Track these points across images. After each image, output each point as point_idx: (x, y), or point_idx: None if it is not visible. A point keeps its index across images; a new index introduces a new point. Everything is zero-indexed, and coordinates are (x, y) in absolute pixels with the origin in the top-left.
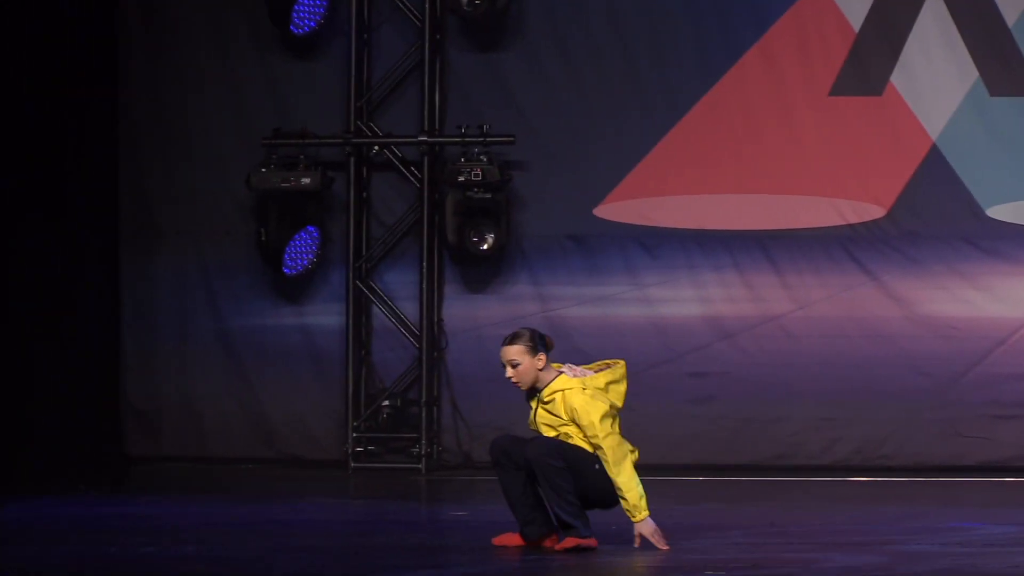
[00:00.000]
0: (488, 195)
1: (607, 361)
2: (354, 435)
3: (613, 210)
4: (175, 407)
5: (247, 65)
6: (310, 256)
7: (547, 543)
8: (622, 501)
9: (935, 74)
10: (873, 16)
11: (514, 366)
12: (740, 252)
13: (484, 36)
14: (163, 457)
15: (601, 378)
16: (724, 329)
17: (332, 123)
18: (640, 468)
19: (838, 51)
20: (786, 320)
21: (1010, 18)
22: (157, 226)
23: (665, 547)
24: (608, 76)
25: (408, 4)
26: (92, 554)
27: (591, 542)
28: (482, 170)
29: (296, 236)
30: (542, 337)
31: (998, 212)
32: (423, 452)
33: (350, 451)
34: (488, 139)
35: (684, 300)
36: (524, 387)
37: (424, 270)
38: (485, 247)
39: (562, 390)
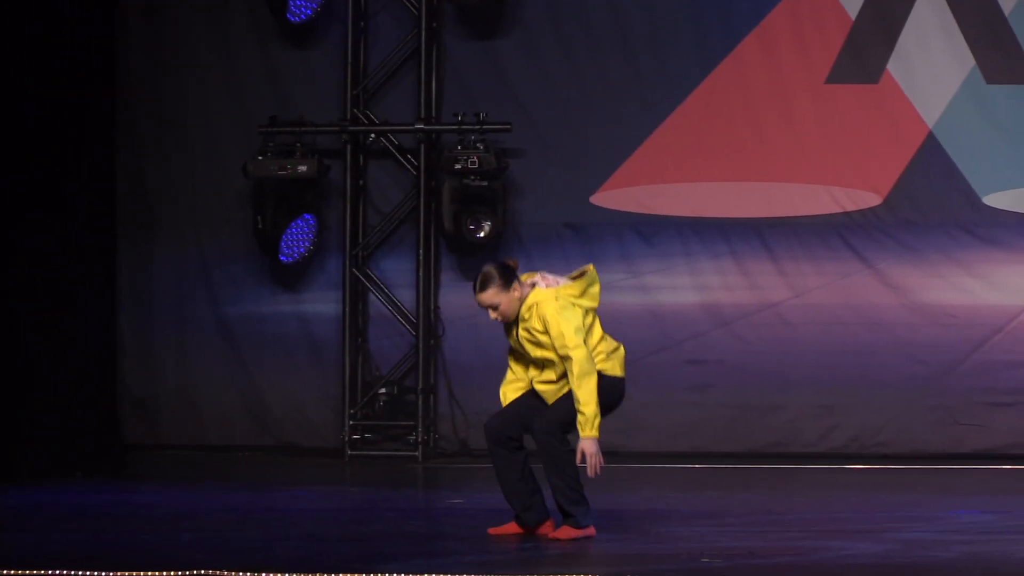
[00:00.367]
0: (484, 183)
1: (581, 269)
2: (351, 423)
3: (610, 198)
4: (173, 395)
5: (244, 53)
6: (307, 244)
7: (543, 530)
8: (579, 414)
9: (932, 62)
10: (870, 4)
11: (495, 308)
12: (737, 240)
13: (481, 24)
14: (161, 445)
15: (576, 287)
16: (721, 317)
17: (329, 111)
18: (637, 455)
19: (835, 39)
20: (783, 308)
21: (1007, 6)
22: (155, 214)
23: (594, 473)
24: (605, 64)
25: None
26: (90, 541)
27: (589, 531)
28: (479, 158)
29: (293, 224)
30: (508, 268)
31: (995, 200)
32: (420, 440)
33: (347, 439)
34: (485, 127)
35: (681, 288)
36: (510, 320)
37: (421, 258)
38: (482, 235)
39: (536, 303)
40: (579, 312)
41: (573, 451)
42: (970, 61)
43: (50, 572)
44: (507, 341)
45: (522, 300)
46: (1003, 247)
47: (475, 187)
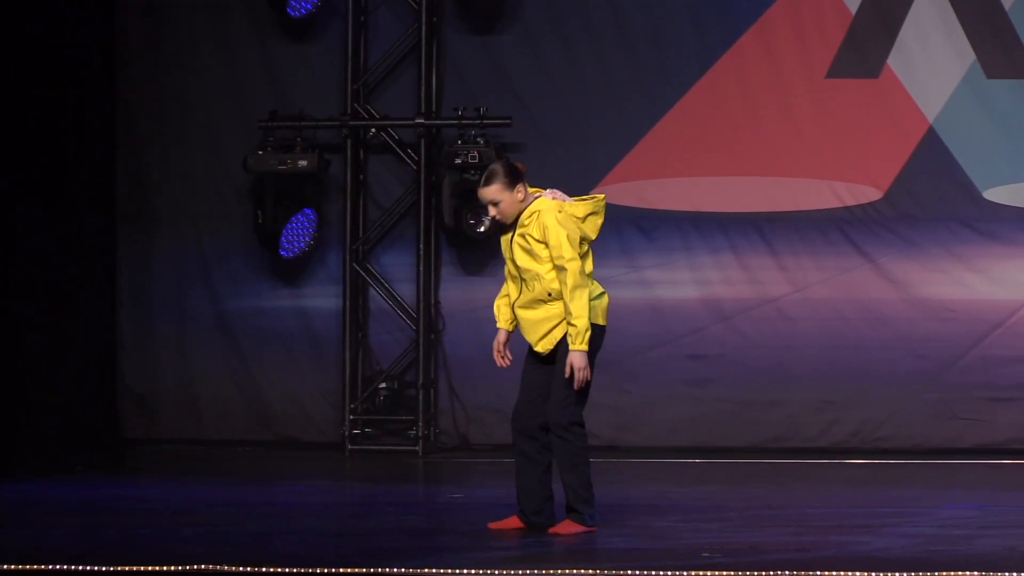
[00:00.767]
0: None
1: (592, 195)
2: (351, 417)
3: (610, 192)
4: (172, 389)
5: (244, 48)
6: (307, 238)
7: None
8: (570, 326)
9: (932, 56)
10: None
11: (495, 205)
12: (737, 234)
13: (481, 18)
14: (160, 440)
15: (581, 207)
16: (721, 311)
17: (329, 105)
18: (637, 450)
19: (835, 33)
20: (783, 302)
21: (1007, 1)
22: (154, 209)
23: (577, 386)
24: (605, 59)
25: None
26: (90, 536)
27: (591, 529)
28: (479, 152)
29: (293, 218)
30: (515, 168)
31: (995, 194)
32: (420, 434)
33: (347, 433)
34: (485, 121)
35: (681, 282)
36: (508, 222)
37: (421, 252)
38: (482, 229)
39: (538, 211)
40: (580, 229)
41: (589, 448)
42: (970, 56)
43: (50, 567)
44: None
45: (524, 205)
46: (1003, 242)
47: (475, 181)
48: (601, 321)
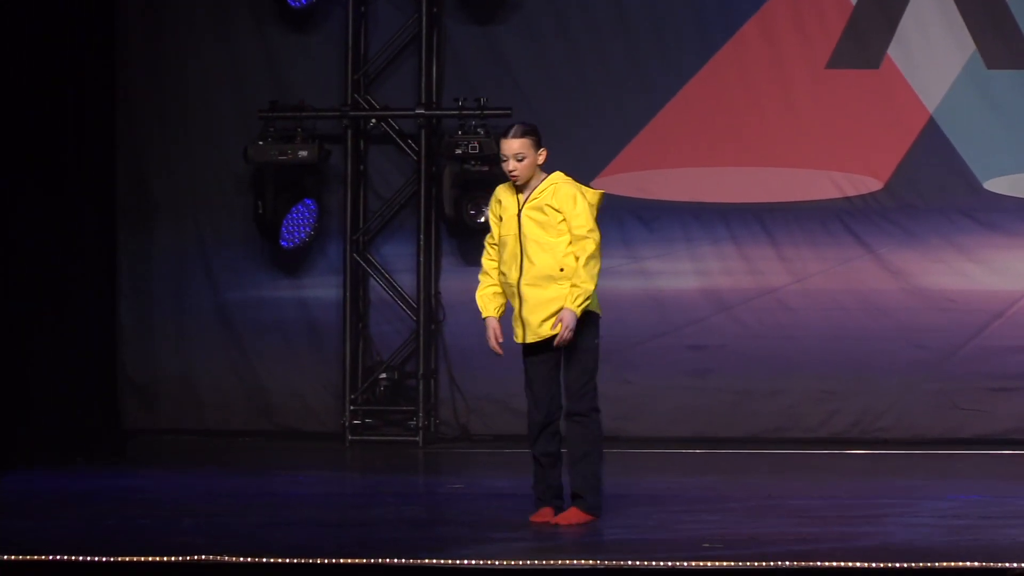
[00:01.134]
0: (485, 168)
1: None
2: (351, 408)
3: (610, 183)
4: (172, 380)
5: (244, 38)
6: (307, 229)
7: (544, 516)
8: (574, 287)
9: (932, 47)
10: None
11: (519, 159)
12: (737, 225)
13: (481, 9)
14: (160, 430)
15: (592, 194)
16: (722, 302)
17: (329, 96)
18: (638, 440)
19: (835, 24)
20: (783, 293)
21: None
22: (154, 200)
23: (560, 341)
24: (606, 49)
25: None
26: (89, 527)
27: (595, 518)
28: (479, 143)
29: (293, 209)
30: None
31: (995, 185)
32: (420, 425)
33: (347, 424)
34: (485, 112)
35: (681, 273)
36: (521, 182)
37: (421, 243)
38: (483, 220)
39: (556, 182)
40: (595, 210)
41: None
42: (971, 46)
43: (50, 558)
44: (510, 328)
45: (537, 174)
46: (1004, 232)
47: (476, 172)
48: (599, 311)
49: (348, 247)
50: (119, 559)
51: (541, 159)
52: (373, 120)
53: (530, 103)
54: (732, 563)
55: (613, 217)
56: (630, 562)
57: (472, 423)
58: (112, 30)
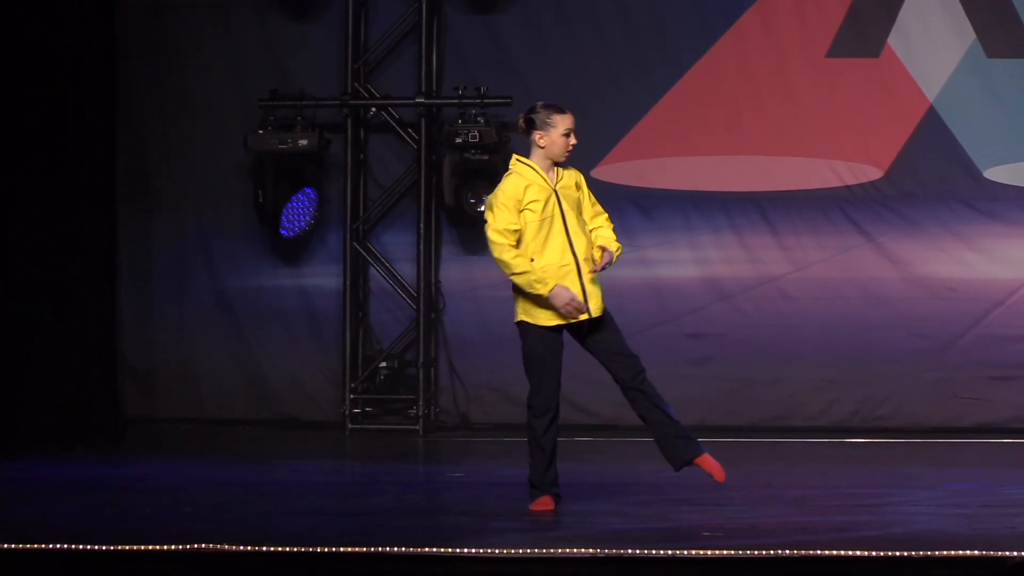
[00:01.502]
0: (485, 157)
1: None
2: (351, 396)
3: (610, 172)
4: (172, 368)
5: (244, 27)
6: (307, 218)
7: (544, 505)
8: (614, 243)
9: (932, 36)
10: None
11: (574, 136)
12: (737, 214)
13: None
14: (160, 418)
15: None
16: (721, 291)
17: (329, 85)
18: (637, 429)
19: (835, 12)
20: (783, 282)
21: None
22: (154, 187)
23: (596, 269)
24: (605, 38)
25: None
26: (89, 515)
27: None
28: (479, 132)
29: (293, 198)
30: None
31: (995, 174)
32: (420, 413)
33: (347, 412)
34: (485, 101)
35: (681, 262)
36: (563, 159)
37: (421, 232)
38: (482, 208)
39: (565, 168)
40: None
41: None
42: (971, 35)
43: (49, 546)
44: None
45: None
46: (1004, 221)
47: (476, 161)
48: None
49: (348, 236)
50: (119, 548)
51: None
52: (373, 109)
53: (530, 92)
54: (732, 552)
55: (612, 206)
56: (630, 551)
57: (472, 411)
58: (112, 20)
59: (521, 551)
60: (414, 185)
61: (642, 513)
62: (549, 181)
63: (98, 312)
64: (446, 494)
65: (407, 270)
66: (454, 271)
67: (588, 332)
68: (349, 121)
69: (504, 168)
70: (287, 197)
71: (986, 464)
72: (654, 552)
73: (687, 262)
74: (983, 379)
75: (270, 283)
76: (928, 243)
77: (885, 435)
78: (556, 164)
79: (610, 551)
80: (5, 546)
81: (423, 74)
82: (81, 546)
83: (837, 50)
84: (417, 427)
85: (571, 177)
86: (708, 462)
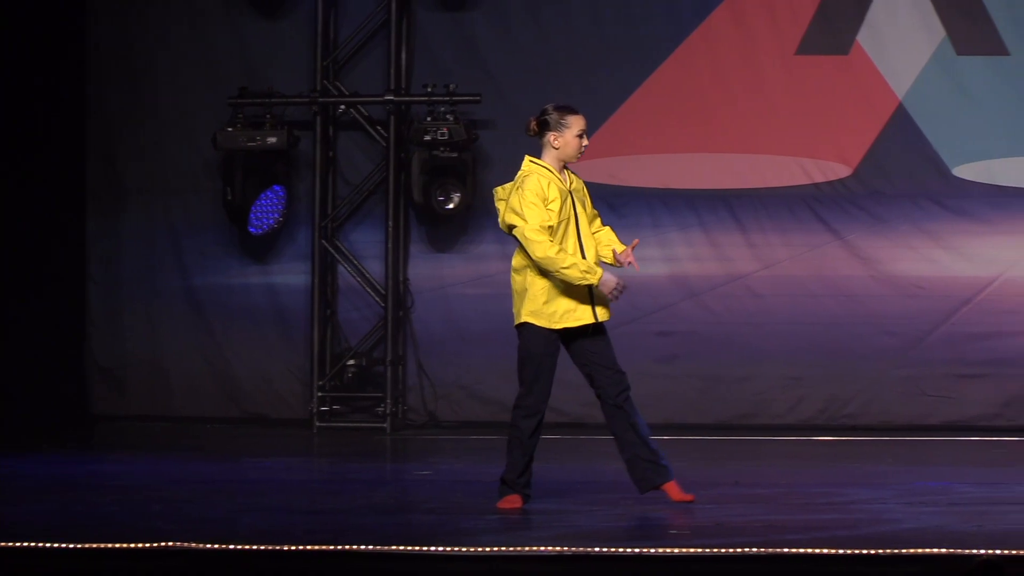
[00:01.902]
0: (454, 154)
1: None
2: (319, 394)
3: (579, 169)
4: (141, 365)
5: (214, 24)
6: (276, 215)
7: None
8: (618, 243)
9: (902, 33)
10: None
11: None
12: (706, 211)
13: None
14: (129, 416)
15: None
16: (690, 288)
17: (298, 82)
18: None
19: (805, 9)
20: (752, 279)
21: None
22: (124, 184)
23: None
24: (575, 35)
25: None
26: (58, 513)
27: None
28: (448, 129)
29: (262, 195)
30: None
31: (964, 171)
32: (388, 411)
33: (315, 410)
34: (454, 98)
35: (650, 259)
36: (577, 159)
37: (390, 229)
38: (451, 206)
39: (572, 170)
40: None
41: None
42: (940, 32)
43: (18, 544)
44: (478, 314)
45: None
46: (972, 218)
47: (444, 158)
48: None
49: (317, 233)
50: (87, 545)
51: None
52: (342, 106)
53: (500, 90)
54: (699, 550)
55: None
56: (597, 549)
57: (440, 410)
58: (83, 17)
59: (489, 549)
60: (383, 183)
61: (609, 511)
62: (564, 183)
63: (67, 309)
64: (414, 492)
65: (375, 268)
66: (422, 269)
67: (584, 338)
68: (318, 119)
69: (473, 166)
70: (256, 194)
71: (953, 462)
72: (621, 550)
73: (655, 260)
74: (951, 377)
75: (239, 280)
76: (897, 240)
77: (853, 433)
78: (566, 167)
79: (577, 549)
80: None
81: (392, 71)
82: (49, 544)
83: (807, 47)
84: (385, 425)
85: (578, 181)
86: (674, 489)
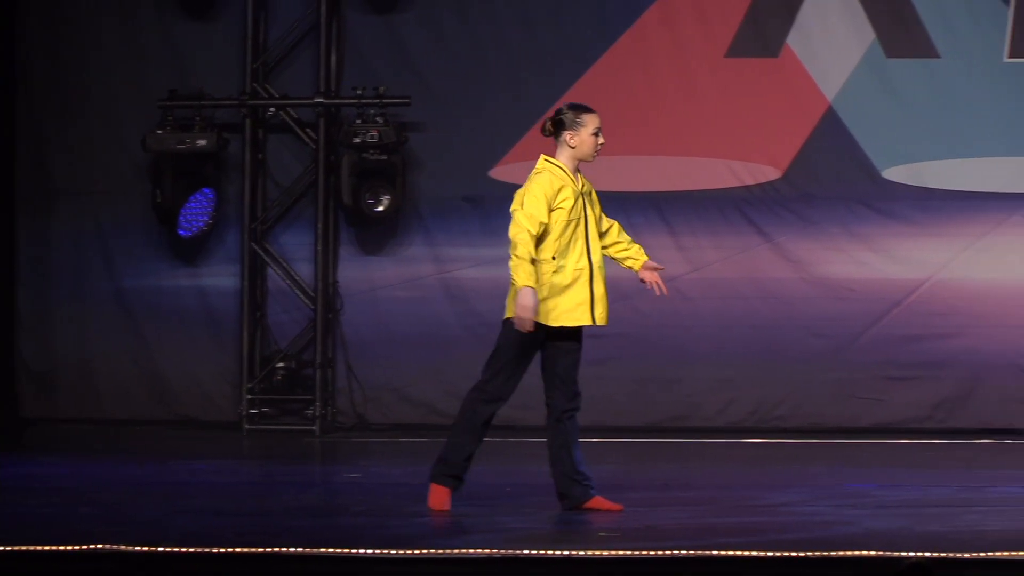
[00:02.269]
0: (384, 157)
1: None
2: (249, 397)
3: (510, 171)
4: (71, 368)
5: (145, 24)
6: (205, 218)
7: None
8: (641, 253)
9: (832, 35)
10: None
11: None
12: (635, 214)
13: None
14: (59, 418)
15: None
16: (620, 290)
17: (228, 85)
18: (535, 430)
19: (735, 12)
20: (681, 282)
21: None
22: (53, 185)
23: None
24: (505, 37)
25: None
26: None
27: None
28: (378, 132)
29: (192, 198)
30: None
31: (894, 174)
32: (317, 414)
33: (245, 412)
34: (384, 101)
35: None
36: (594, 158)
37: (319, 232)
38: (380, 209)
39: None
40: None
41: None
42: (870, 35)
43: None
44: (407, 317)
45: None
46: (902, 221)
47: (374, 161)
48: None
49: (246, 236)
50: (16, 548)
51: None
52: (272, 109)
53: (430, 92)
54: (629, 552)
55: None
56: (527, 551)
57: (369, 412)
58: (12, 16)
59: (418, 551)
60: (312, 185)
61: (539, 514)
62: (576, 183)
63: None
64: (343, 494)
65: (305, 270)
66: (352, 271)
67: (564, 342)
68: (248, 121)
69: (403, 168)
70: (186, 197)
71: (883, 464)
72: (551, 553)
73: None
74: (881, 379)
75: (168, 283)
76: (826, 243)
77: (783, 435)
78: (578, 168)
79: (507, 552)
80: None
81: (322, 74)
82: None
83: (737, 50)
84: (314, 427)
85: (588, 184)
86: (600, 502)
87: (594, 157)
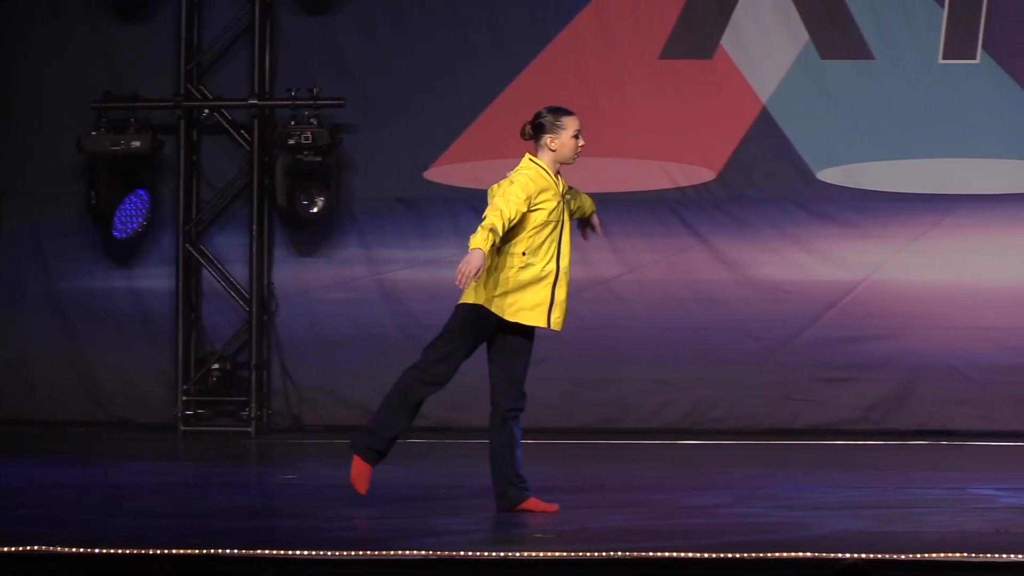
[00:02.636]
0: (318, 158)
1: None
2: (184, 398)
3: (443, 173)
4: (5, 370)
5: (77, 26)
6: (140, 219)
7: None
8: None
9: (766, 37)
10: None
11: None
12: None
13: None
14: None
15: None
16: None
17: (163, 86)
18: (470, 431)
19: (669, 13)
20: (616, 283)
21: None
22: None
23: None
24: (439, 39)
25: None
26: None
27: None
28: (312, 133)
29: (126, 199)
30: None
31: (828, 175)
32: (253, 415)
33: (180, 414)
34: (318, 102)
35: None
36: (574, 161)
37: (254, 233)
38: (315, 210)
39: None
40: None
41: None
42: (804, 36)
43: None
44: (342, 319)
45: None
46: (836, 222)
47: (308, 162)
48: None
49: (181, 237)
50: None
51: None
52: (206, 110)
53: (365, 93)
54: (563, 553)
55: (446, 207)
56: (461, 553)
57: (304, 413)
58: None
59: (356, 553)
60: (247, 187)
61: (474, 516)
62: (558, 187)
63: None
64: (279, 496)
65: (240, 272)
66: (287, 273)
67: (514, 338)
68: (182, 123)
69: (337, 170)
70: (120, 198)
71: (818, 465)
72: (484, 554)
73: None
74: (816, 381)
75: (103, 284)
76: (761, 244)
77: (718, 437)
78: (559, 171)
79: (442, 553)
80: None
81: (256, 75)
82: None
83: (671, 51)
84: (250, 429)
85: (566, 183)
86: (534, 504)
87: (575, 159)
